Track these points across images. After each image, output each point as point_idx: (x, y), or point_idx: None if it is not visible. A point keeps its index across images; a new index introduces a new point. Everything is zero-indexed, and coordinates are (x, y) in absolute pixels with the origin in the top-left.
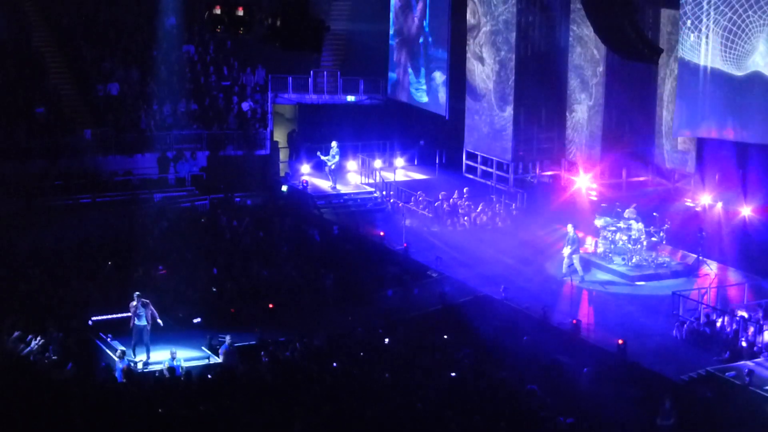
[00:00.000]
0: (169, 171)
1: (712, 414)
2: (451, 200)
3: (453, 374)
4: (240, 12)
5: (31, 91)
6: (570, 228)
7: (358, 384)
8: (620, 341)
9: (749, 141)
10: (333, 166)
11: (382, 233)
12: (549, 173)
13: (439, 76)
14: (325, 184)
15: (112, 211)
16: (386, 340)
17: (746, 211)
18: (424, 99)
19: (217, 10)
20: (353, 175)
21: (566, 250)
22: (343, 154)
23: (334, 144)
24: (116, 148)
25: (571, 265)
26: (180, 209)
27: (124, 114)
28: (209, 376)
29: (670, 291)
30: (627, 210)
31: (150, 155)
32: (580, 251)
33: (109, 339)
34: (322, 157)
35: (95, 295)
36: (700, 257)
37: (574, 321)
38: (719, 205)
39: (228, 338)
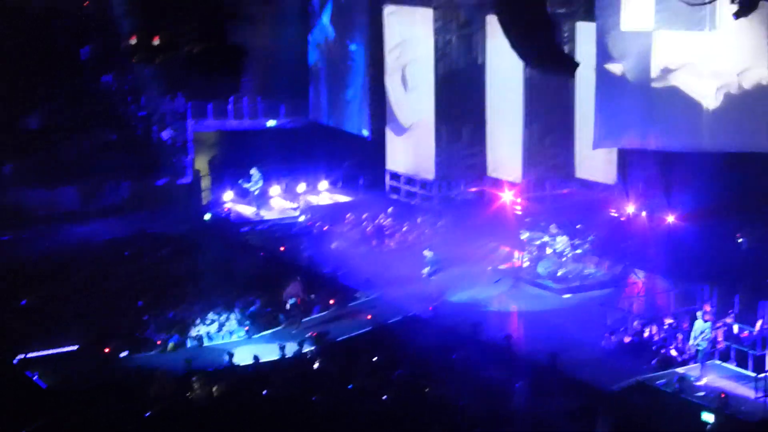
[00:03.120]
0: (91, 203)
1: (644, 422)
2: (376, 221)
3: (385, 396)
4: (156, 41)
5: None
6: (428, 252)
7: (290, 410)
8: (551, 353)
9: (670, 149)
10: (257, 192)
11: (308, 256)
12: (473, 190)
13: (360, 98)
14: (248, 211)
15: (35, 246)
16: (315, 364)
17: (671, 219)
18: (346, 121)
19: (133, 40)
20: (277, 200)
21: (425, 271)
22: (267, 179)
23: (254, 170)
24: (37, 181)
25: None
26: (102, 241)
27: (43, 146)
28: None
29: (597, 302)
30: (552, 224)
31: (71, 188)
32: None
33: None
34: (245, 185)
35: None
36: (627, 267)
37: (505, 335)
38: (644, 214)
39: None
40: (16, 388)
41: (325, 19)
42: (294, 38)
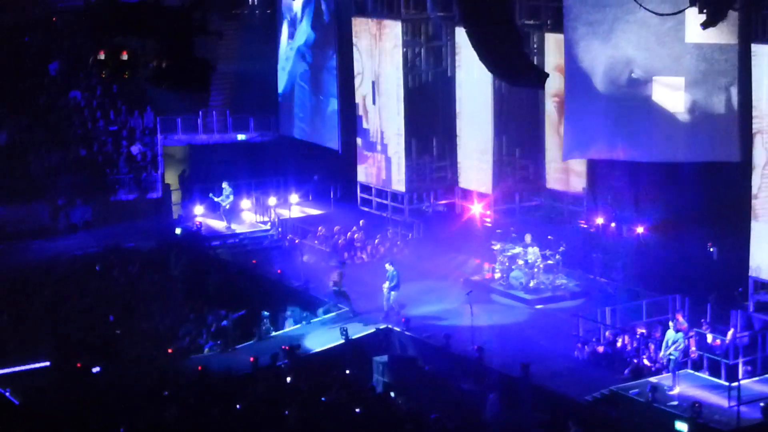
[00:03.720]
0: (60, 219)
1: None
2: (348, 234)
3: (358, 409)
4: (124, 56)
5: None
6: (389, 266)
7: (263, 425)
8: (524, 363)
9: (639, 160)
10: (227, 206)
11: (279, 271)
12: (443, 202)
13: (331, 111)
14: (219, 225)
15: (4, 262)
16: (288, 378)
17: (641, 229)
18: (316, 134)
19: (101, 55)
20: (248, 214)
21: (386, 286)
22: (237, 192)
23: (225, 184)
24: (6, 197)
25: (389, 299)
26: (73, 257)
27: (12, 163)
28: None
29: (569, 312)
30: (526, 235)
31: (40, 203)
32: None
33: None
34: (216, 199)
35: None
36: (597, 278)
37: (476, 347)
38: (613, 225)
39: None
40: None
41: (298, 35)
42: (263, 53)
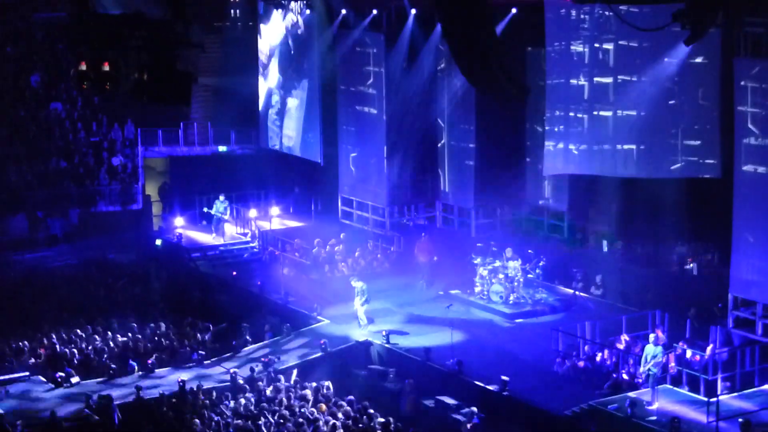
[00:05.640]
0: (40, 230)
1: None
2: (328, 247)
3: (338, 422)
4: (106, 67)
5: None
6: (355, 281)
7: None
8: (504, 377)
9: (619, 175)
10: (227, 218)
11: (258, 282)
12: (425, 215)
13: (312, 124)
14: (200, 237)
15: None
16: (268, 391)
17: (620, 244)
18: (298, 146)
19: (83, 66)
20: (228, 226)
21: (357, 302)
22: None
23: (221, 197)
24: None
25: (362, 317)
26: (52, 268)
27: None
28: None
29: (549, 327)
30: (507, 249)
31: (20, 215)
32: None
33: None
34: (211, 211)
35: None
36: (577, 292)
37: (455, 361)
38: (592, 239)
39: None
40: None
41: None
42: (244, 66)
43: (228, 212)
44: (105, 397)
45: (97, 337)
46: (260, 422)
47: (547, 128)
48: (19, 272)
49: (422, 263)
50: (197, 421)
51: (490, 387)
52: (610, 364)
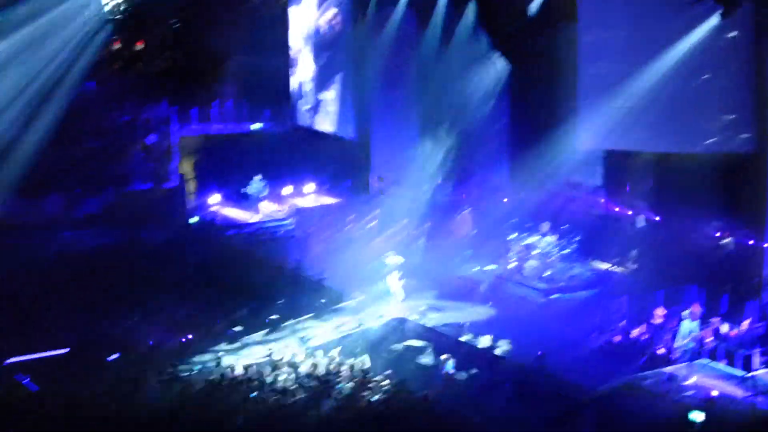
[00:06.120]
0: (74, 210)
1: (632, 423)
2: (363, 223)
3: (374, 398)
4: (139, 46)
5: None
6: (391, 257)
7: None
8: (539, 353)
9: (656, 150)
10: (264, 195)
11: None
12: (459, 192)
13: (345, 101)
14: (236, 214)
15: (20, 253)
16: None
17: (657, 218)
18: (332, 124)
19: (117, 46)
20: (264, 203)
21: (392, 277)
22: (251, 182)
23: (257, 178)
24: (20, 189)
25: (398, 293)
26: (87, 248)
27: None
28: None
29: (584, 302)
30: (543, 224)
31: (55, 195)
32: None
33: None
34: (249, 191)
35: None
36: (612, 267)
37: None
38: (629, 213)
39: None
40: (5, 391)
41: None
42: (277, 43)
43: (266, 191)
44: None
45: (133, 315)
46: (297, 397)
47: (580, 103)
48: (56, 252)
49: (460, 237)
50: (234, 396)
51: (524, 363)
52: (645, 340)
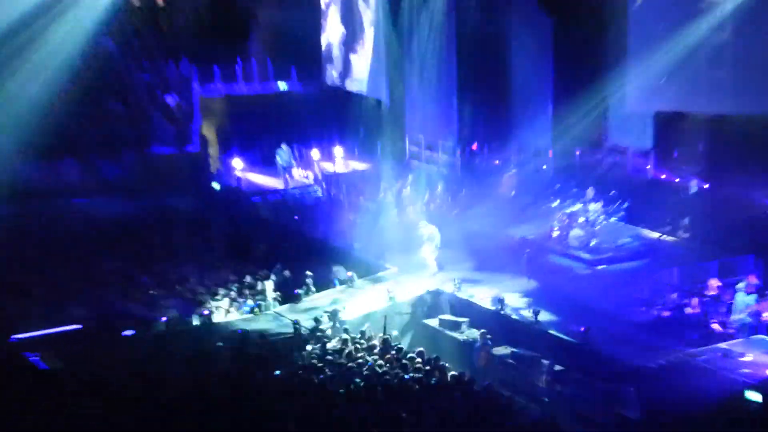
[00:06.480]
0: (91, 175)
1: (684, 402)
2: (395, 190)
3: (407, 376)
4: (161, 2)
5: None
6: (425, 226)
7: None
8: (583, 328)
9: (708, 112)
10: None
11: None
12: (498, 156)
13: (378, 61)
14: (261, 180)
15: (35, 221)
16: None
17: (710, 186)
18: (363, 84)
19: (137, 2)
20: (291, 170)
21: (426, 248)
22: (278, 146)
23: (284, 146)
24: (36, 153)
25: (432, 264)
26: (107, 215)
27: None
28: None
29: (632, 273)
30: (588, 190)
31: (71, 160)
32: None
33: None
34: (281, 162)
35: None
36: (663, 236)
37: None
38: (678, 180)
39: None
40: (14, 369)
41: None
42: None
43: (294, 161)
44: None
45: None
46: (324, 375)
47: (629, 62)
48: (74, 219)
49: (499, 203)
50: (259, 373)
51: (568, 338)
52: (698, 313)
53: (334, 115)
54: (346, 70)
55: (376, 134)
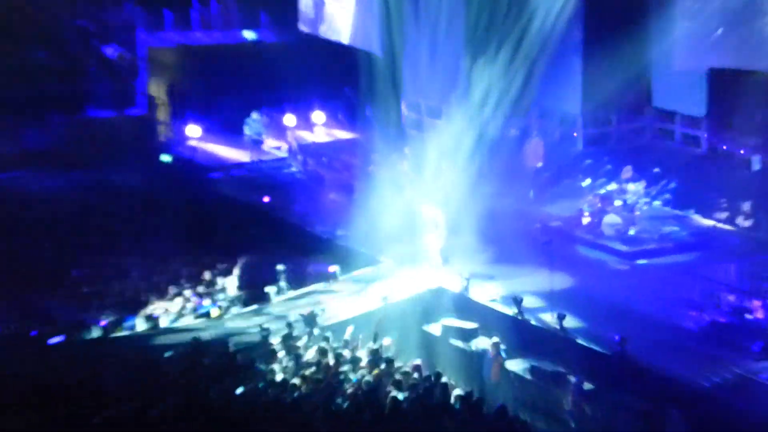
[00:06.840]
0: (16, 142)
1: (743, 428)
2: (389, 164)
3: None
4: None
5: None
6: (428, 209)
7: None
8: (618, 338)
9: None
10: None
11: (266, 199)
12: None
13: (369, 3)
14: (222, 151)
15: None
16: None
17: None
18: (349, 33)
19: None
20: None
21: (430, 236)
22: (247, 109)
23: (255, 114)
24: None
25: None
26: (30, 192)
27: None
28: None
29: (680, 270)
30: (625, 168)
31: None
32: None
33: None
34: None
35: None
36: (718, 224)
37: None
38: (741, 153)
39: None
40: None
41: None
42: None
43: (266, 131)
44: None
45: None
46: (298, 394)
47: (677, 8)
48: None
49: (528, 171)
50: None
51: (599, 349)
52: (762, 319)
53: (313, 70)
54: (327, 15)
55: (366, 95)
